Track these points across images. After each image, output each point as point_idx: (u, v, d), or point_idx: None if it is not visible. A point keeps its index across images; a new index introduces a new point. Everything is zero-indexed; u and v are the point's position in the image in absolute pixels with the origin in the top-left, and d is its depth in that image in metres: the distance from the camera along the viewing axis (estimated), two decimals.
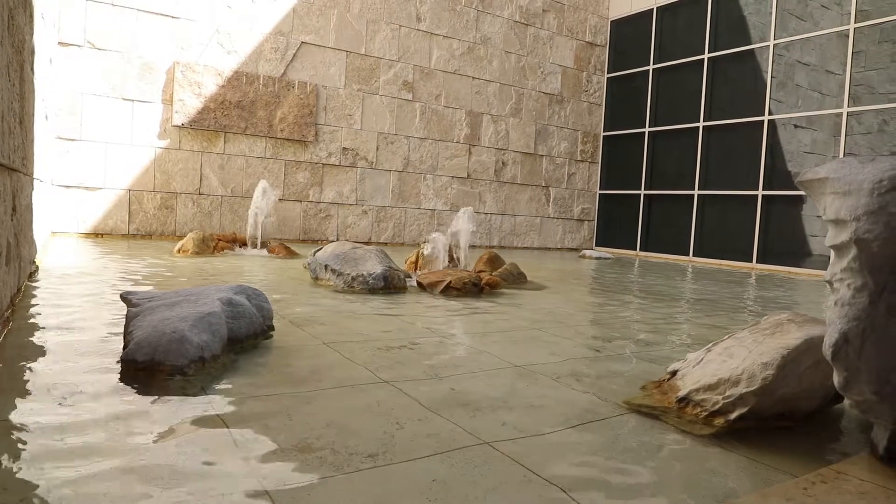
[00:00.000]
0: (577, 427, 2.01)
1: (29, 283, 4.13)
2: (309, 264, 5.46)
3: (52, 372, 2.21)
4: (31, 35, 4.28)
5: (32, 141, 4.51)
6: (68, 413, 1.82)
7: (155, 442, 1.66)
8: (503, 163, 13.06)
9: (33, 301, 3.56)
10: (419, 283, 5.24)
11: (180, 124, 9.30)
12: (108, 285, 4.39)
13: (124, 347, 2.37)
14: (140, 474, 1.45)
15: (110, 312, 3.35)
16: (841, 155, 10.19)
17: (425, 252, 6.14)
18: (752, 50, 11.59)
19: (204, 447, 1.64)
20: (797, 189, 10.33)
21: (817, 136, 10.71)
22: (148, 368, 2.21)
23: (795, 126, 10.95)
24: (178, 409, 1.92)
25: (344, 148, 10.95)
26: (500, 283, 5.59)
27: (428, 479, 1.54)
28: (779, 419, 2.06)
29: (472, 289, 5.16)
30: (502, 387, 2.42)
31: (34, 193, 4.70)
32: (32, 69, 4.46)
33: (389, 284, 4.99)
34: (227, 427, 1.79)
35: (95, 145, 8.81)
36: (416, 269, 6.31)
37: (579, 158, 14.33)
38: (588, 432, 1.98)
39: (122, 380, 2.16)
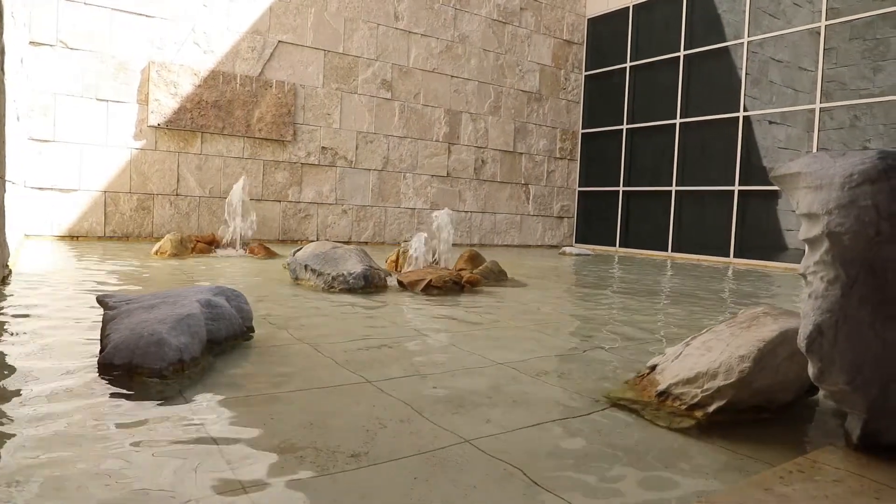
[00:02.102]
0: (559, 423, 2.03)
1: (1, 287, 4.06)
2: (289, 264, 5.43)
3: (26, 377, 2.17)
4: (1, 34, 4.20)
5: (3, 142, 4.43)
6: (42, 417, 1.79)
7: (132, 446, 1.64)
8: (483, 161, 13.08)
9: (5, 305, 3.49)
10: (400, 282, 5.24)
11: (156, 125, 9.18)
12: (84, 288, 4.33)
13: (101, 351, 2.33)
14: (117, 478, 1.44)
15: (86, 316, 3.30)
16: (814, 150, 10.37)
17: (413, 253, 6.11)
18: (727, 47, 11.73)
19: (183, 450, 1.63)
20: (772, 184, 10.49)
21: (791, 131, 10.88)
22: (126, 371, 2.18)
23: (770, 122, 11.11)
24: (157, 412, 1.90)
25: (323, 147, 10.89)
26: (480, 281, 5.61)
27: (411, 477, 1.54)
28: (756, 411, 2.10)
29: (453, 287, 5.17)
30: (484, 384, 2.42)
31: (6, 195, 4.61)
32: (3, 69, 4.38)
33: (370, 284, 4.97)
34: (207, 430, 1.78)
35: (69, 146, 8.66)
36: (396, 269, 6.30)
37: (558, 156, 14.40)
38: (569, 428, 1.99)
39: (98, 383, 2.13)
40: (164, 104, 9.23)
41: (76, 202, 8.76)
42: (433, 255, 6.30)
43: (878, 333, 1.71)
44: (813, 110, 10.40)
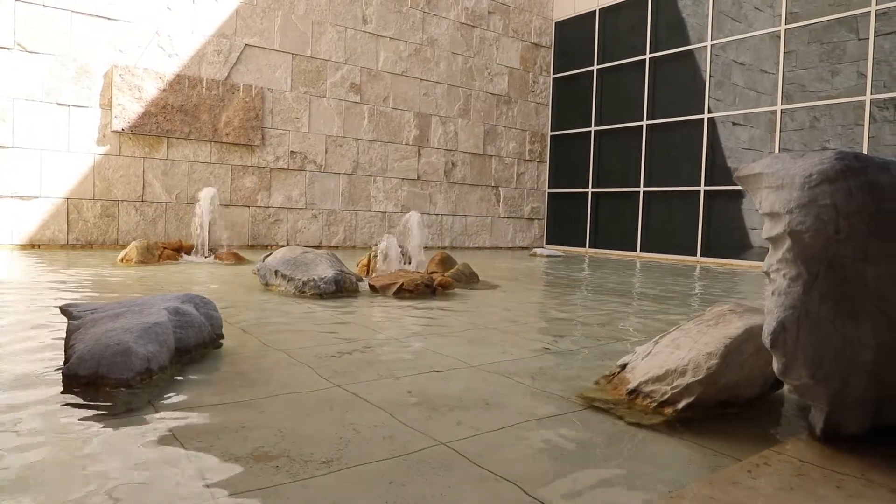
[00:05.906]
0: (532, 423, 2.04)
1: None
2: (259, 270, 5.37)
3: None
4: None
5: None
6: (3, 432, 1.74)
7: (100, 459, 1.60)
8: (453, 164, 13.11)
9: None
10: (372, 286, 5.22)
11: (120, 129, 9.01)
12: (47, 298, 4.22)
13: (65, 362, 2.28)
14: (88, 491, 1.41)
15: (49, 327, 3.22)
16: (776, 151, 10.62)
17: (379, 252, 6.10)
18: (691, 50, 11.96)
19: (153, 461, 1.60)
20: (737, 184, 10.69)
21: (754, 132, 11.12)
22: (92, 383, 2.13)
23: (733, 123, 11.35)
24: (124, 423, 1.87)
25: (292, 151, 10.80)
26: (452, 283, 5.61)
27: (385, 481, 1.54)
28: (724, 406, 2.14)
29: (425, 290, 5.16)
30: (457, 387, 2.43)
31: None
32: None
33: (341, 288, 4.95)
34: (178, 440, 1.75)
35: (30, 153, 8.44)
36: (368, 273, 6.28)
37: (528, 158, 14.50)
38: (542, 428, 2.01)
39: (63, 396, 2.08)
40: (129, 109, 9.06)
41: (37, 210, 8.54)
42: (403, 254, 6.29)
43: (838, 329, 1.76)
44: (774, 112, 10.65)
